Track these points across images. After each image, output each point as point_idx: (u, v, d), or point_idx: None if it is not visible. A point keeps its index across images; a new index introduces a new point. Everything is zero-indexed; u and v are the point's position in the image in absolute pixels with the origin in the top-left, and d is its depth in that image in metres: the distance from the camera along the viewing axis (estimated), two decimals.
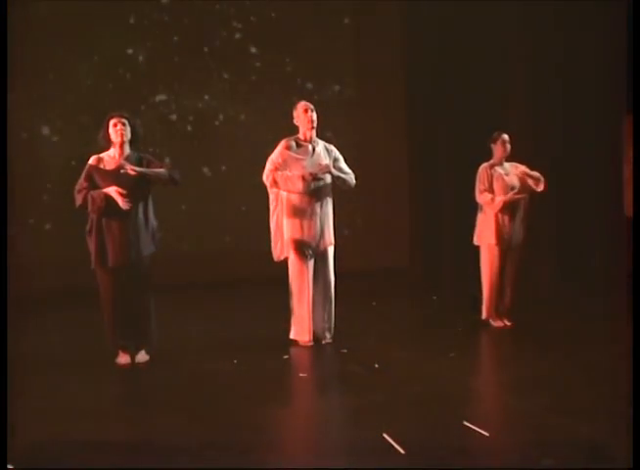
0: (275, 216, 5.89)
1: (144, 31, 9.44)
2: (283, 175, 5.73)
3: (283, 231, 5.86)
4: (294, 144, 5.80)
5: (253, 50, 9.86)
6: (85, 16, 8.94)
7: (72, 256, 7.04)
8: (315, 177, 5.70)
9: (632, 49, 5.99)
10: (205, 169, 9.79)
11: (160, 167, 5.42)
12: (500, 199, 6.23)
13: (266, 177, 5.77)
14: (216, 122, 9.75)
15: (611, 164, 9.14)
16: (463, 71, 9.11)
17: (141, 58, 9.41)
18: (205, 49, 9.69)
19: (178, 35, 9.51)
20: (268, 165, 5.77)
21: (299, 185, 5.70)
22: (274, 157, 5.78)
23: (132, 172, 5.18)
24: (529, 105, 8.99)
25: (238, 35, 9.77)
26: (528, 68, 8.99)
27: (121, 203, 5.16)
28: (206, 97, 9.74)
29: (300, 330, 5.87)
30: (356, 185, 6.05)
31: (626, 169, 8.98)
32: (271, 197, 5.90)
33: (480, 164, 6.43)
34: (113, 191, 5.17)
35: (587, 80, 8.86)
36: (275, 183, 5.76)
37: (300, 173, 5.68)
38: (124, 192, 5.16)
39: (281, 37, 9.75)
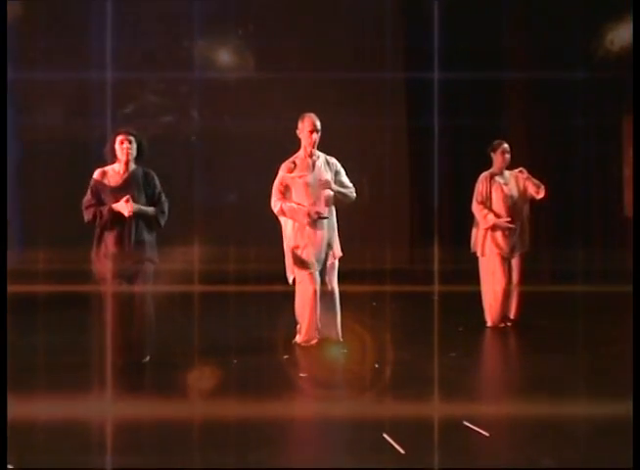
0: (286, 239, 5.89)
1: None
2: (290, 208, 5.75)
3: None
4: (292, 165, 5.80)
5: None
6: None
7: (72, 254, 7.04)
8: (321, 216, 5.72)
9: (633, 49, 5.99)
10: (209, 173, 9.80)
11: (159, 189, 5.45)
12: (492, 220, 6.16)
13: (274, 206, 5.80)
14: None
15: (611, 164, 9.15)
16: (462, 71, 9.10)
17: None
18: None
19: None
20: (274, 195, 5.81)
21: (305, 220, 5.73)
22: (277, 184, 5.81)
23: (129, 214, 5.20)
24: (530, 105, 8.99)
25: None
26: (528, 66, 8.99)
27: (127, 212, 5.19)
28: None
29: (307, 339, 5.87)
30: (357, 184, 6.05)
31: (626, 169, 8.99)
32: (282, 220, 5.91)
33: (480, 167, 6.41)
34: (120, 205, 5.20)
35: (587, 80, 8.86)
36: (282, 212, 5.79)
37: (307, 210, 5.69)
38: (129, 198, 5.21)
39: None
